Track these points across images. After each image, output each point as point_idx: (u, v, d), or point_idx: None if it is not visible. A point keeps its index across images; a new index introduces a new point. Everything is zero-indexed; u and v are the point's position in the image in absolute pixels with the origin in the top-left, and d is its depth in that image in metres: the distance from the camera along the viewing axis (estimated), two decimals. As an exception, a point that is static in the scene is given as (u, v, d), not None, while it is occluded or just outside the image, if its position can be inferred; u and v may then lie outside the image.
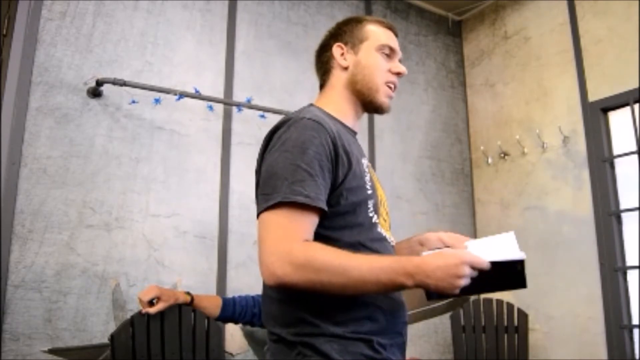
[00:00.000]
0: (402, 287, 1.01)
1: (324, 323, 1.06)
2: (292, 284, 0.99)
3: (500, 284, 1.09)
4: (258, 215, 1.08)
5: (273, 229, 1.03)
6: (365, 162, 1.23)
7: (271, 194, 1.05)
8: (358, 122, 1.33)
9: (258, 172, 1.17)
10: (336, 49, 1.30)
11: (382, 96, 1.28)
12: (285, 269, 0.98)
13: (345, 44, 1.29)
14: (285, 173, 1.05)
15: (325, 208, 1.07)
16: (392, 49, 1.29)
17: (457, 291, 1.00)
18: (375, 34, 1.29)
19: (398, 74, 1.29)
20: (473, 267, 1.01)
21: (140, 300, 1.95)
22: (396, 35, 1.32)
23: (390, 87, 1.29)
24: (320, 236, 1.09)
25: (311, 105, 1.27)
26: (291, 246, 1.00)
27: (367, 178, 1.19)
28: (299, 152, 1.06)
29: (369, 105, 1.29)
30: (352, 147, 1.19)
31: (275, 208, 1.03)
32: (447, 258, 1.00)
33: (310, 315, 1.07)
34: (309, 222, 1.05)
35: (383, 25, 1.32)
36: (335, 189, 1.11)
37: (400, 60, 1.32)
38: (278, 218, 1.03)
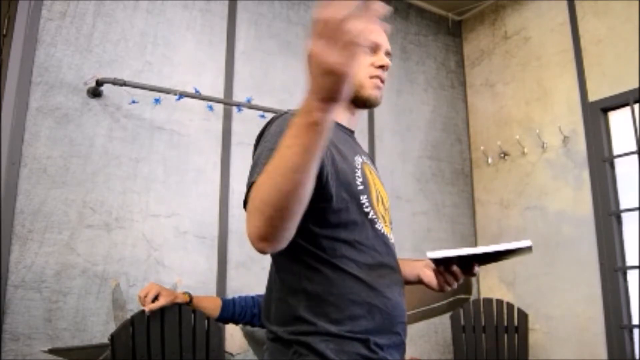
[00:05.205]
0: (316, 123, 0.81)
1: (320, 321, 1.06)
2: (268, 232, 0.89)
3: (500, 259, 1.20)
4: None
5: (248, 207, 0.97)
6: (359, 159, 1.23)
7: (249, 179, 1.04)
8: (354, 119, 1.32)
9: None
10: None
11: (368, 90, 1.26)
12: (255, 224, 0.89)
13: None
14: (262, 158, 1.04)
15: None
16: (376, 44, 1.27)
17: (346, 68, 0.75)
18: None
19: (382, 67, 1.26)
20: (330, 33, 0.74)
21: (140, 298, 1.95)
22: None
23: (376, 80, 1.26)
24: (317, 235, 1.08)
25: None
26: (251, 206, 0.91)
27: (359, 174, 1.18)
28: (276, 140, 1.05)
29: (358, 101, 1.28)
30: (341, 144, 1.18)
31: (252, 188, 0.98)
32: (308, 67, 0.80)
33: (306, 314, 1.07)
34: None
35: None
36: (321, 186, 1.08)
37: (388, 53, 1.29)
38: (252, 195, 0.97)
